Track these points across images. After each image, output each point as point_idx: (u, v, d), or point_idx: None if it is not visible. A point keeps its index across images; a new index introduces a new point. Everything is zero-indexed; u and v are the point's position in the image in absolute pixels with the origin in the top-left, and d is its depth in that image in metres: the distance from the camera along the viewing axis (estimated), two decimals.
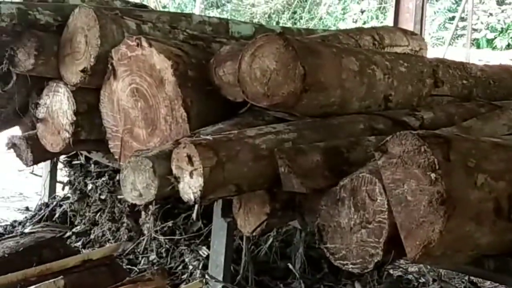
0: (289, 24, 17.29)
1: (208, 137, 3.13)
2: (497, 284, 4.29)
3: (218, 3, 21.11)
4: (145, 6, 4.97)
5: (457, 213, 2.65)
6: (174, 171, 3.03)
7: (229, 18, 11.95)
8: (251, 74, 3.24)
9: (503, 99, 4.35)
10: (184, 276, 4.21)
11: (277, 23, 15.54)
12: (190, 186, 2.97)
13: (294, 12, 20.41)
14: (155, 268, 4.14)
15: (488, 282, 4.48)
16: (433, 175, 2.65)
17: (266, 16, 19.90)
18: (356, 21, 19.23)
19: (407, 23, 8.30)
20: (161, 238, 4.52)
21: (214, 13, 19.02)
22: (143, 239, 4.54)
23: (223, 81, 3.47)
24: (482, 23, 18.10)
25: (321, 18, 19.67)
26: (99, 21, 3.66)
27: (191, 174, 2.96)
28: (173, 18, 4.59)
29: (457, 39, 16.60)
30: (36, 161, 4.65)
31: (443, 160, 2.67)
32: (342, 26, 17.76)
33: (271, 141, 3.13)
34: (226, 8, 20.86)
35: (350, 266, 2.92)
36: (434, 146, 2.70)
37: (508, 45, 17.49)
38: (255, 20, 17.30)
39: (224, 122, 3.45)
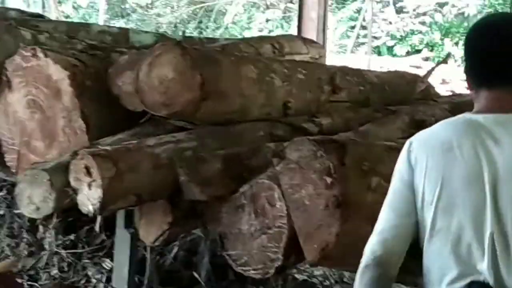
0: (195, 34, 17.25)
1: (107, 147, 3.10)
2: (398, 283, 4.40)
3: (123, 13, 20.86)
4: (41, 16, 4.85)
5: (353, 215, 2.72)
6: (72, 183, 2.97)
7: (134, 28, 11.91)
8: (149, 83, 3.21)
9: (398, 103, 4.46)
10: None
11: (183, 32, 15.47)
12: (89, 198, 2.93)
13: (200, 22, 20.36)
14: (53, 283, 4.05)
15: None
16: (328, 179, 2.71)
17: (172, 26, 19.79)
18: (261, 30, 19.30)
19: (311, 32, 8.39)
20: (63, 252, 4.41)
21: (119, 23, 18.68)
22: (44, 254, 4.43)
23: (122, 91, 3.43)
24: (382, 31, 18.53)
25: (226, 27, 19.70)
26: None
27: (89, 186, 2.92)
28: (71, 28, 4.51)
29: (359, 46, 16.97)
30: None
31: (338, 164, 2.73)
32: (248, 35, 17.78)
33: (171, 150, 3.13)
34: (132, 18, 20.60)
35: (252, 272, 2.96)
36: (329, 151, 2.77)
37: (407, 52, 17.94)
38: (161, 30, 17.16)
39: (124, 132, 3.41)
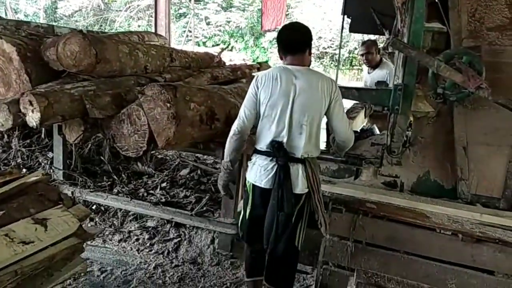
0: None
1: (42, 90, 2.73)
2: (201, 156, 4.43)
3: (55, 20, 18.40)
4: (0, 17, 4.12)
5: (181, 123, 2.64)
6: (22, 110, 2.60)
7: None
8: (65, 53, 2.85)
9: (205, 67, 4.33)
10: (39, 169, 3.72)
11: (87, 29, 13.89)
12: (33, 118, 2.58)
13: (101, 25, 18.54)
14: (13, 165, 3.62)
15: (200, 155, 4.53)
16: (168, 105, 2.60)
17: (84, 27, 17.79)
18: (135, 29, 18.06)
19: (162, 32, 7.96)
20: (24, 149, 3.91)
21: (53, 24, 16.60)
22: (12, 151, 3.90)
23: (50, 58, 3.01)
24: (199, 33, 18.06)
25: (116, 29, 18.08)
26: None
27: (32, 111, 2.57)
28: (18, 24, 3.86)
29: (188, 41, 16.33)
30: None
31: (173, 97, 2.62)
32: None
33: (81, 91, 2.81)
34: (60, 23, 18.17)
35: (130, 153, 2.80)
36: (168, 90, 2.64)
37: (212, 45, 17.56)
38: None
39: (52, 82, 3.01)
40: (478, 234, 2.23)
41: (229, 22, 18.36)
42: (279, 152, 2.12)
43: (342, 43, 15.70)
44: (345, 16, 3.01)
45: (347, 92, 2.53)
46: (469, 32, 2.31)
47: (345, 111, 2.19)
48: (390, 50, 3.07)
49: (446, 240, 2.29)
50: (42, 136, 3.95)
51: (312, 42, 2.23)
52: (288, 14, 16.05)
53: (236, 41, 18.53)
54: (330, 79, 2.18)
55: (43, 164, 3.77)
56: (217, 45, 18.30)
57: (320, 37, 16.68)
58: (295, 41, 2.17)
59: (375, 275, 2.28)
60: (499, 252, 2.21)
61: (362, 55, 4.05)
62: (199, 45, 17.95)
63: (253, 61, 16.04)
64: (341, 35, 3.04)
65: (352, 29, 3.52)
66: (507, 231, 2.24)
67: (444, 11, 2.32)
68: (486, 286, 2.21)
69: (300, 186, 2.14)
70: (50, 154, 3.84)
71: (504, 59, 2.30)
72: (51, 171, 3.64)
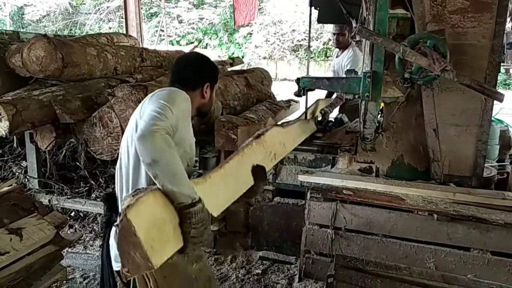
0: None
1: (9, 97, 2.68)
2: None
3: (22, 25, 17.94)
4: None
5: None
6: None
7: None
8: (30, 59, 2.80)
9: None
10: (13, 179, 3.63)
11: (54, 33, 13.57)
12: (1, 127, 2.53)
13: (71, 29, 18.17)
14: None
15: None
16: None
17: (53, 32, 17.41)
18: None
19: (133, 33, 7.88)
20: None
21: (20, 30, 16.11)
22: None
23: (15, 65, 2.98)
24: (173, 32, 17.92)
25: (87, 32, 17.74)
26: None
27: (0, 120, 2.52)
28: None
29: (162, 41, 16.17)
30: None
31: (144, 97, 2.59)
32: None
33: (50, 96, 2.77)
34: (28, 29, 17.71)
35: (105, 157, 2.77)
36: (138, 90, 2.62)
37: (186, 43, 17.39)
38: None
39: (20, 89, 2.97)
40: (452, 213, 2.26)
41: (201, 19, 18.26)
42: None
43: (316, 35, 15.82)
44: (313, 8, 3.04)
45: (318, 82, 2.55)
46: (432, 16, 2.35)
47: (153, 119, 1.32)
48: (357, 38, 3.11)
49: (422, 220, 2.32)
50: (15, 145, 3.86)
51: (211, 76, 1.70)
52: (261, 8, 16.07)
53: (210, 38, 18.42)
54: (163, 91, 1.52)
55: (17, 173, 3.69)
56: (191, 43, 18.12)
57: (293, 30, 16.75)
58: (178, 74, 1.67)
59: (353, 259, 2.31)
60: (473, 229, 2.25)
61: (334, 34, 3.89)
62: (172, 44, 17.76)
63: (229, 57, 15.98)
64: (310, 27, 3.05)
65: (320, 20, 3.55)
66: (480, 208, 2.29)
67: None
68: (463, 262, 2.25)
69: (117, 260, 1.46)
70: (24, 163, 3.75)
71: (467, 41, 2.34)
72: (26, 180, 3.57)
